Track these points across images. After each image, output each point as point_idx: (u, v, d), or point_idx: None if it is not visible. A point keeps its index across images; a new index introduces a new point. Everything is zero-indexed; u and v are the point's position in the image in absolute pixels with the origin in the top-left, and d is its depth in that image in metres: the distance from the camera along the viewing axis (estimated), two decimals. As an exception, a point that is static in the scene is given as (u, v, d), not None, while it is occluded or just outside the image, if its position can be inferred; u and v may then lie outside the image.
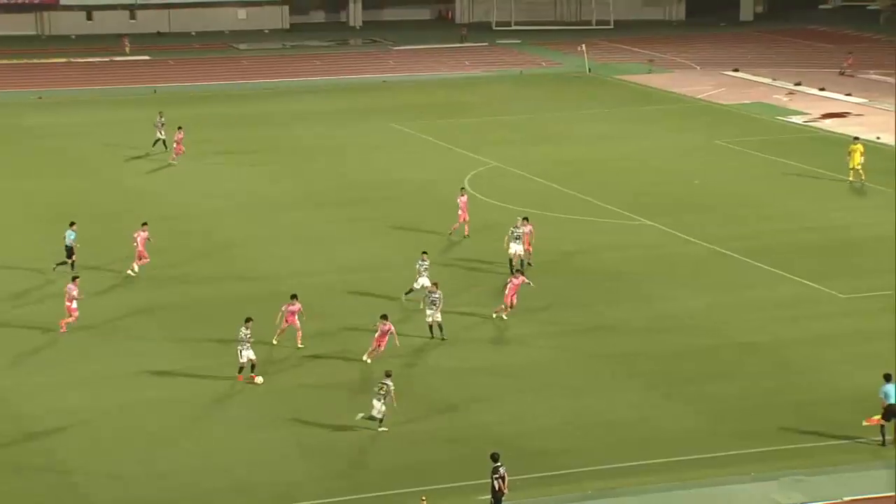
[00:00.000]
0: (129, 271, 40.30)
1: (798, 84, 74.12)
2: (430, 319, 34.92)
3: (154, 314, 37.34)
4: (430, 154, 57.96)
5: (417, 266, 37.73)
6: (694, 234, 44.81)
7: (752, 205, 48.76)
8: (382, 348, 33.26)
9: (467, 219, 43.79)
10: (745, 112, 66.98)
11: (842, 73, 77.12)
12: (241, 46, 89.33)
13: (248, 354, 32.34)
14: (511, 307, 36.20)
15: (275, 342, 34.38)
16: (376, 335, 33.25)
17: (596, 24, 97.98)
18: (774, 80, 75.97)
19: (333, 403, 31.45)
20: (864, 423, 29.11)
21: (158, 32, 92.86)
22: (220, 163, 55.49)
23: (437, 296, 35.00)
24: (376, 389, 29.89)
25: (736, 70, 79.63)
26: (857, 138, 53.39)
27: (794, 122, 64.21)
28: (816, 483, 27.36)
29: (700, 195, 50.00)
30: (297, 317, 34.42)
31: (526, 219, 41.11)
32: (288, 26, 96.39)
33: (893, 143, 56.98)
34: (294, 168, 55.03)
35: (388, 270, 40.99)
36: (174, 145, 55.13)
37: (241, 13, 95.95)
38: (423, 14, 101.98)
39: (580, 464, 28.31)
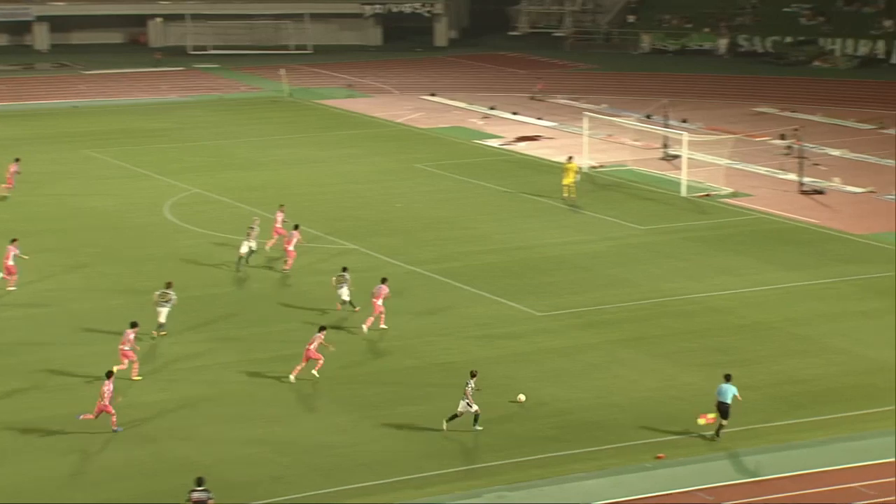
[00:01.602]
0: (9, 287, 39.48)
1: (492, 108, 76.33)
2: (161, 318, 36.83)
3: None
4: (126, 181, 56.64)
5: (333, 280, 39.26)
6: (396, 256, 45.44)
7: (453, 226, 49.76)
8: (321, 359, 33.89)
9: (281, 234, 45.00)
10: (442, 136, 68.46)
11: (533, 98, 79.91)
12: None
13: None
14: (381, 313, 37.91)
15: (293, 379, 33.84)
16: (311, 347, 33.63)
17: (295, 49, 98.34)
18: (470, 104, 77.99)
19: (17, 445, 30.24)
20: (700, 422, 30.37)
21: None
22: None
23: (172, 296, 37.01)
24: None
25: (433, 95, 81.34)
26: (571, 157, 55.32)
27: (489, 146, 66.02)
28: (517, 497, 28.02)
29: (401, 218, 50.74)
30: (318, 346, 33.90)
31: (297, 227, 43.76)
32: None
33: (583, 166, 59.34)
34: (-20, 198, 52.73)
35: (79, 302, 39.80)
36: (7, 177, 52.05)
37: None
38: (115, 38, 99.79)
39: (282, 492, 28.14)
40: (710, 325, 38.25)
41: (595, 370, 35.04)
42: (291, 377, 33.82)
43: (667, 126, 63.00)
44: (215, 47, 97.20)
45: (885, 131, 68.33)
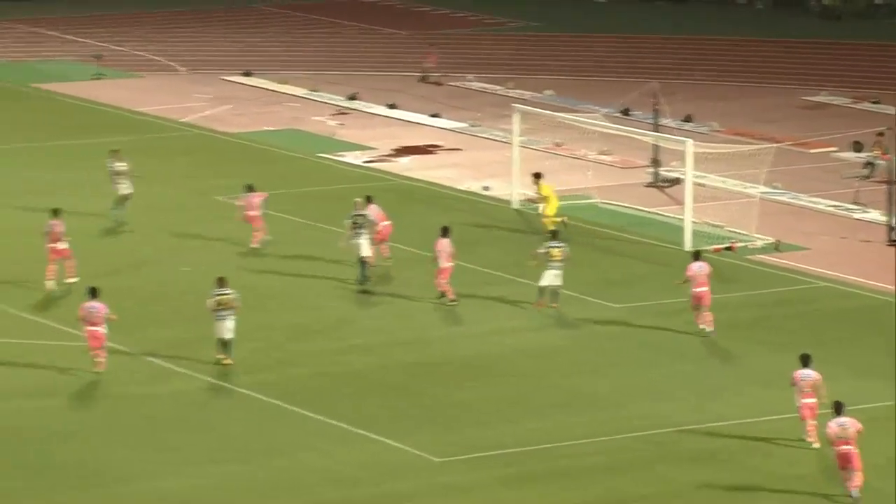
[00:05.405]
0: None
1: (353, 98, 76.56)
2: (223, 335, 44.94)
3: None
4: None
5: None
6: (181, 360, 45.38)
7: (286, 306, 50.06)
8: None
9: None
10: (268, 145, 68.81)
11: (424, 79, 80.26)
12: None
13: None
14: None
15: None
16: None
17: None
18: (314, 90, 78.19)
19: None
20: None
21: None
22: None
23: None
24: None
25: (248, 74, 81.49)
26: (538, 175, 56.81)
27: (348, 164, 66.30)
28: None
29: (191, 291, 50.22)
30: None
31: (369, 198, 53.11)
32: None
33: (515, 197, 59.41)
34: None
35: None
36: None
37: None
38: None
39: None
40: (745, 481, 38.36)
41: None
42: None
43: (658, 128, 63.47)
44: None
45: None
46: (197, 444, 40.31)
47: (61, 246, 51.09)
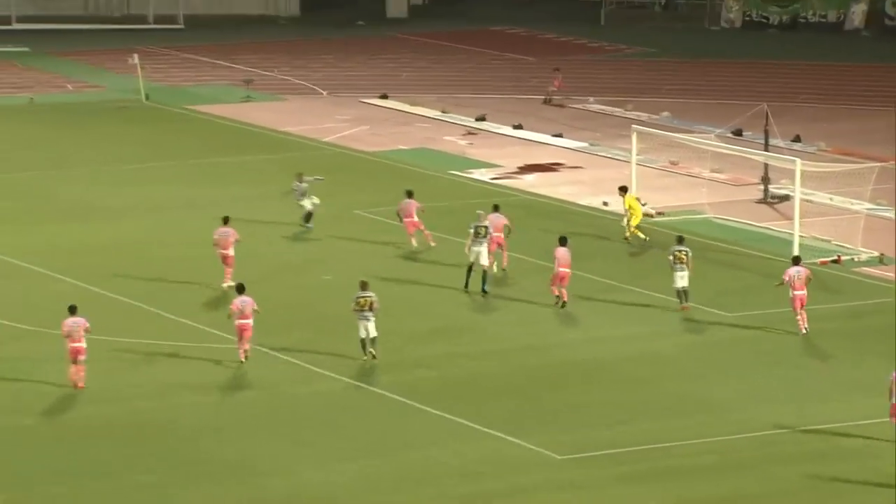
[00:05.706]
0: None
1: (482, 119, 77.12)
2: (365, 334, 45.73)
3: None
4: None
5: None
6: (322, 363, 45.79)
7: (417, 313, 50.40)
8: None
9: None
10: (402, 163, 69.35)
11: (548, 101, 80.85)
12: None
13: None
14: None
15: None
16: None
17: (156, 23, 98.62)
18: (445, 112, 78.87)
19: None
20: None
21: None
22: None
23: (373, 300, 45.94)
24: None
25: (384, 97, 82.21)
26: (624, 188, 57.67)
27: (477, 180, 66.91)
28: None
29: (332, 299, 50.86)
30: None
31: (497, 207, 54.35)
32: None
33: (625, 215, 59.70)
34: None
35: None
36: None
37: None
38: None
39: None
40: (855, 479, 38.18)
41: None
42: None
43: (768, 148, 63.73)
44: (25, 19, 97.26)
45: None
46: (331, 440, 40.75)
47: (230, 252, 52.22)
